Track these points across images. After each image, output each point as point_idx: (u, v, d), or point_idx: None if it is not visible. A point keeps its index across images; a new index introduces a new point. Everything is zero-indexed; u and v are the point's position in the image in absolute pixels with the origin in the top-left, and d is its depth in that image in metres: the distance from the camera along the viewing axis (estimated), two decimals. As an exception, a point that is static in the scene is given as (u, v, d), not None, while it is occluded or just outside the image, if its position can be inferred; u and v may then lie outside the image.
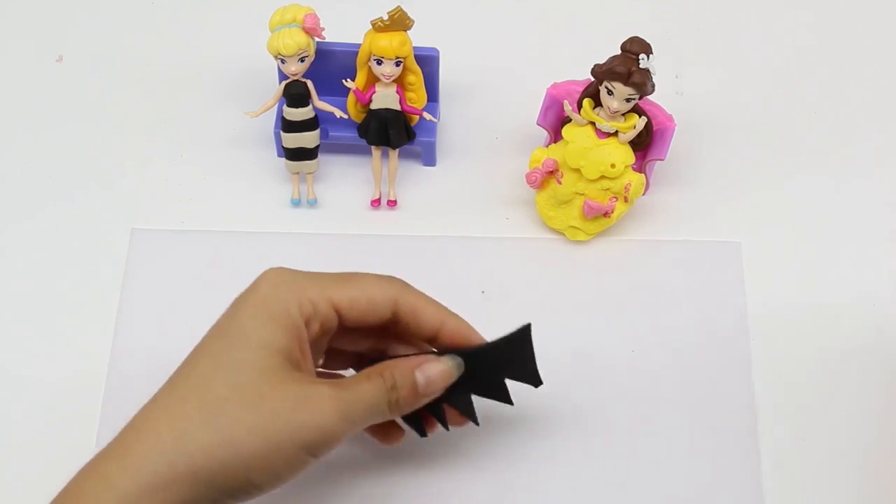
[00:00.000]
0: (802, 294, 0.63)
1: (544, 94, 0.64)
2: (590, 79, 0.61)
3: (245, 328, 0.46)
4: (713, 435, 0.57)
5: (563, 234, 0.64)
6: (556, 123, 0.64)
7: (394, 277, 0.50)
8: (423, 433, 0.53)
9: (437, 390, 0.49)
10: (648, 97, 0.61)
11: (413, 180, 0.67)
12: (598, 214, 0.63)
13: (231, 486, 0.45)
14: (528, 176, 0.63)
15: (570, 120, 0.62)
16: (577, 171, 0.62)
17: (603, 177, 0.62)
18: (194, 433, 0.44)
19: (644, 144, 0.63)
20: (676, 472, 0.56)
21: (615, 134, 0.61)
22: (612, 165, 0.61)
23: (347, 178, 0.67)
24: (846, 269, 0.64)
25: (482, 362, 0.50)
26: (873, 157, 0.68)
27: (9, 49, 0.72)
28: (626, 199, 0.62)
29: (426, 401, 0.49)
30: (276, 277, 0.48)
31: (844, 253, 0.64)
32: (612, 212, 0.63)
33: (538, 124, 0.64)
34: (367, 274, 0.50)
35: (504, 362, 0.51)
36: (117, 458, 0.44)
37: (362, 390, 0.47)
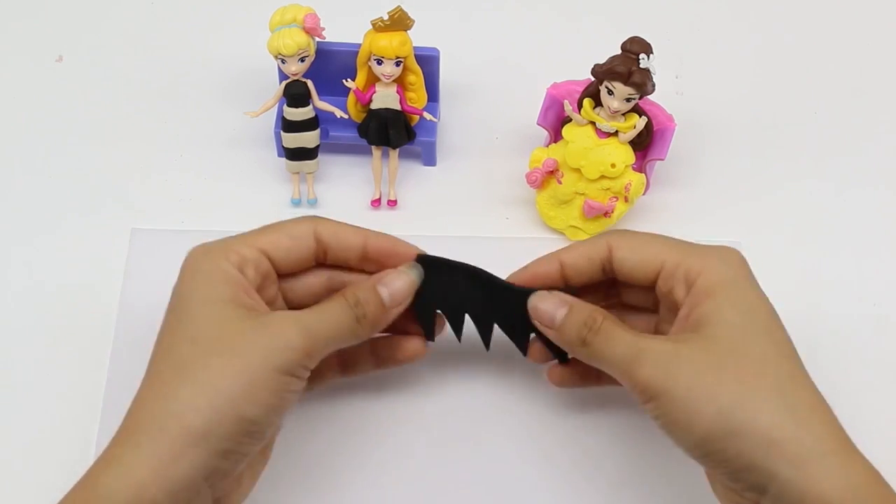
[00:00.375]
0: (802, 294, 0.63)
1: (544, 94, 0.64)
2: (590, 79, 0.61)
3: (186, 296, 0.48)
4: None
5: (564, 234, 0.64)
6: (556, 123, 0.64)
7: (310, 215, 0.52)
8: (431, 336, 0.54)
9: (403, 299, 0.51)
10: (648, 97, 0.61)
11: (413, 180, 0.67)
12: (598, 214, 0.63)
13: (228, 430, 0.44)
14: (528, 176, 0.63)
15: (570, 120, 0.62)
16: (578, 170, 0.62)
17: (603, 176, 0.62)
18: (173, 393, 0.45)
19: (644, 144, 0.63)
20: (676, 471, 0.56)
21: (615, 134, 0.61)
22: (613, 165, 0.61)
23: (347, 178, 0.67)
24: (846, 269, 0.64)
25: (500, 297, 0.53)
26: (873, 156, 0.68)
27: (9, 49, 0.72)
28: (626, 199, 0.62)
29: (397, 312, 0.51)
30: (197, 249, 0.50)
31: (844, 253, 0.64)
32: (613, 212, 0.63)
33: (538, 124, 0.64)
34: (284, 220, 0.52)
35: (512, 309, 0.53)
36: (122, 443, 0.45)
37: (323, 308, 0.49)
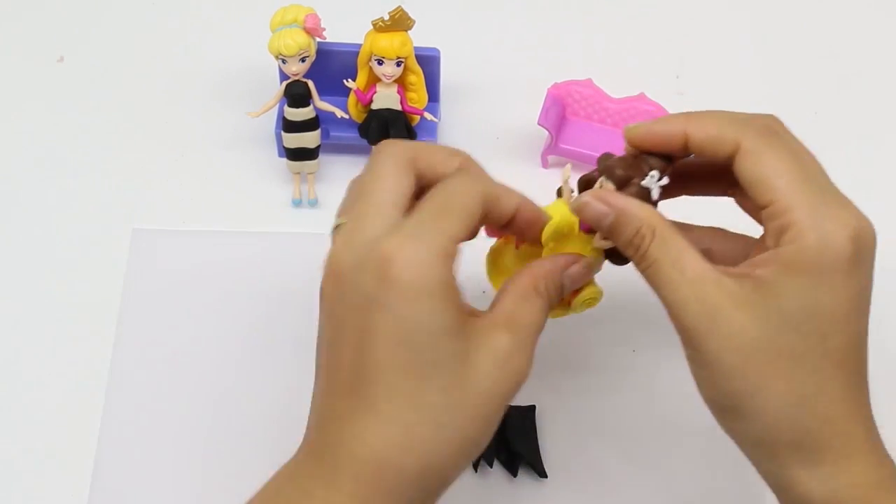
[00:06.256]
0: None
1: (544, 94, 0.64)
2: (590, 79, 0.61)
3: (410, 319, 0.42)
4: (713, 434, 0.57)
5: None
6: (556, 123, 0.65)
7: (469, 175, 0.47)
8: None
9: (578, 283, 0.49)
10: (648, 97, 0.61)
11: (413, 180, 0.67)
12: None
13: (453, 476, 0.43)
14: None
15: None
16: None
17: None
18: (419, 436, 0.41)
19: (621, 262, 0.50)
20: (676, 472, 0.56)
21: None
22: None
23: (348, 178, 0.66)
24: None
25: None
26: (873, 156, 0.68)
27: (9, 49, 0.72)
28: (568, 304, 0.52)
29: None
30: (406, 238, 0.43)
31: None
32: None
33: (539, 124, 0.64)
34: (450, 187, 0.46)
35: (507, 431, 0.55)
36: (319, 476, 0.41)
37: (533, 321, 0.45)
